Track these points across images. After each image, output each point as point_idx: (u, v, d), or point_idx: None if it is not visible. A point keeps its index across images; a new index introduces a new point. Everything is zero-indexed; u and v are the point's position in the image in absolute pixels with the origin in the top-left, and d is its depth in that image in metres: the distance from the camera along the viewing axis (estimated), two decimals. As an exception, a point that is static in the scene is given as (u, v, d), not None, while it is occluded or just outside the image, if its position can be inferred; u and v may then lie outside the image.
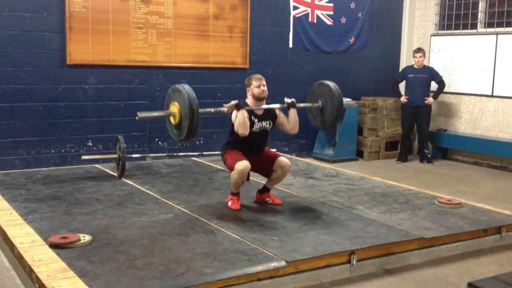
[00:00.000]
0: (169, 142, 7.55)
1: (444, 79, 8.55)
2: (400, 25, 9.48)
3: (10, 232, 4.17)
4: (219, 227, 4.43)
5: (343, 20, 8.76)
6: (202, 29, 7.51)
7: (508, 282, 3.15)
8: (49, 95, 6.75)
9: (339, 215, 4.89)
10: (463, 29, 8.80)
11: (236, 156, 4.88)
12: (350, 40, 8.87)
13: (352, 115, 8.52)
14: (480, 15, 8.55)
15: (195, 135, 4.68)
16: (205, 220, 4.62)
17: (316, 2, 8.50)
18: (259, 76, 5.02)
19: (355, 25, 8.91)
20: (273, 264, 3.66)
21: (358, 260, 3.94)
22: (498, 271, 4.07)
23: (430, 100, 8.48)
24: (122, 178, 6.12)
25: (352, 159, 8.57)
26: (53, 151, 6.83)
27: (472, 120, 8.68)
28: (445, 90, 8.60)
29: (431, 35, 9.22)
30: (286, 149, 8.44)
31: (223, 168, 6.68)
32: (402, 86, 8.83)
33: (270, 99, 8.02)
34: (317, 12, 8.54)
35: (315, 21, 8.45)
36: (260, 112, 4.97)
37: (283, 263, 3.68)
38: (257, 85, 4.93)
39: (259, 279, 3.56)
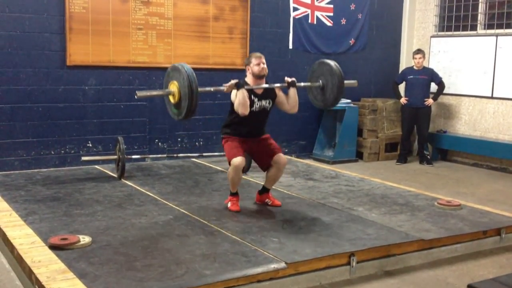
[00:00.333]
0: (169, 143, 7.55)
1: (444, 80, 8.56)
2: (400, 26, 9.49)
3: (10, 233, 4.17)
4: (219, 229, 4.43)
5: (343, 21, 8.76)
6: (202, 30, 7.52)
7: (508, 284, 3.15)
8: (49, 96, 6.75)
9: (338, 216, 4.89)
10: (463, 30, 8.81)
11: (233, 148, 4.88)
12: (350, 41, 8.87)
13: (352, 116, 8.52)
14: (480, 17, 8.55)
15: (194, 114, 4.62)
16: (205, 222, 4.61)
17: (316, 4, 8.51)
18: (258, 54, 5.02)
19: (355, 27, 8.91)
20: (273, 266, 3.66)
21: (357, 262, 3.94)
22: (498, 273, 4.07)
23: (430, 101, 8.48)
24: (122, 179, 6.12)
25: (352, 160, 8.57)
26: (53, 152, 6.83)
27: (472, 121, 8.68)
28: (445, 91, 8.61)
29: (431, 37, 9.23)
30: (286, 150, 8.43)
31: (223, 170, 6.69)
32: (402, 87, 8.84)
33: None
34: (317, 13, 8.54)
35: (315, 22, 8.46)
36: (259, 91, 4.94)
37: (282, 264, 3.68)
38: (256, 63, 4.92)
39: (258, 281, 3.56)
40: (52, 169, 6.70)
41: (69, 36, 6.70)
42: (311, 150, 8.75)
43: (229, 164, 4.90)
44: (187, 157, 7.38)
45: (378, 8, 9.15)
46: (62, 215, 4.72)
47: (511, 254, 4.57)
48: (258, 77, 4.93)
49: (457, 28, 8.90)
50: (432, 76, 8.53)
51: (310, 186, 6.13)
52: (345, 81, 5.11)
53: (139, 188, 5.76)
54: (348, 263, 3.93)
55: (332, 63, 5.12)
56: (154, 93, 5.26)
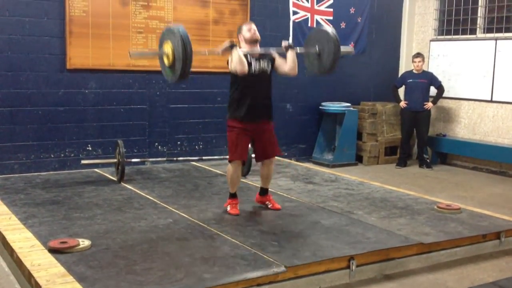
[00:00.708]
0: (169, 146, 7.56)
1: (443, 84, 8.57)
2: (399, 30, 9.50)
3: (10, 236, 4.16)
4: (218, 232, 4.43)
5: (343, 25, 8.78)
6: (202, 33, 7.53)
7: (507, 288, 3.16)
8: (49, 99, 6.76)
9: (338, 220, 4.89)
10: (462, 34, 8.83)
11: (237, 147, 4.86)
12: (350, 45, 8.87)
13: (351, 120, 8.53)
14: (479, 21, 8.57)
15: (188, 77, 4.57)
16: (205, 225, 4.61)
17: (316, 7, 8.52)
18: (248, 22, 5.02)
19: (355, 30, 8.93)
20: (272, 269, 3.65)
21: (357, 266, 3.94)
22: (497, 277, 4.08)
23: (429, 105, 8.49)
24: (122, 183, 6.12)
25: (352, 164, 8.57)
26: (52, 156, 6.83)
27: (471, 125, 8.69)
28: (444, 95, 8.62)
29: (430, 40, 9.24)
30: (286, 154, 8.43)
31: (222, 173, 6.69)
32: (401, 91, 8.85)
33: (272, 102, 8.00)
34: (317, 17, 8.56)
35: (314, 26, 8.47)
36: (256, 55, 4.91)
37: (282, 268, 3.68)
38: (248, 29, 4.91)
39: (258, 285, 3.56)
40: (51, 172, 6.70)
41: (69, 39, 6.71)
42: (311, 154, 8.76)
43: (229, 161, 4.92)
44: (186, 161, 7.38)
45: (378, 12, 9.17)
46: (62, 218, 4.72)
47: (510, 257, 4.57)
48: (251, 42, 4.89)
49: (456, 32, 8.91)
50: (431, 79, 8.54)
51: (309, 189, 6.13)
52: (342, 48, 5.05)
53: (138, 192, 5.76)
54: (348, 267, 3.92)
55: (329, 29, 5.08)
56: (149, 54, 5.10)
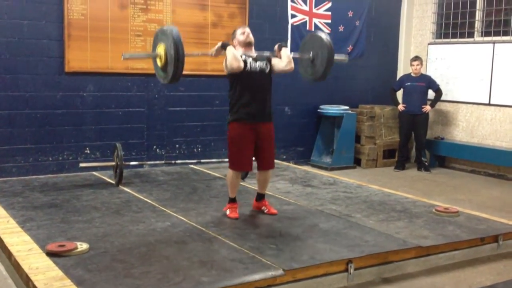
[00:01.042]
0: (167, 149, 7.55)
1: (441, 87, 8.59)
2: (397, 33, 9.52)
3: (7, 240, 4.16)
4: (216, 235, 4.42)
5: (341, 28, 8.79)
6: (200, 37, 7.54)
7: (505, 291, 3.16)
8: (47, 102, 6.76)
9: (336, 223, 4.89)
10: (460, 37, 8.85)
11: (240, 155, 4.85)
12: (348, 48, 8.89)
13: (349, 123, 8.54)
14: (477, 24, 8.59)
15: (179, 79, 4.58)
16: (203, 228, 4.61)
17: (314, 11, 8.54)
18: (242, 25, 5.06)
19: (353, 34, 8.94)
20: (271, 273, 3.65)
21: (355, 269, 3.94)
22: (495, 280, 4.08)
23: (427, 108, 8.50)
24: (120, 186, 6.11)
25: (350, 167, 8.58)
26: (50, 159, 6.83)
27: (469, 128, 8.70)
28: (442, 98, 8.63)
29: (428, 44, 9.26)
30: (284, 157, 8.44)
31: (221, 176, 6.69)
32: (399, 94, 8.86)
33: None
34: (315, 20, 8.57)
35: (312, 29, 8.47)
36: (253, 56, 4.92)
37: (280, 271, 3.68)
38: (241, 32, 4.94)
39: (256, 288, 3.56)
40: (49, 175, 6.69)
41: (67, 42, 6.72)
42: (309, 157, 8.76)
43: (230, 168, 4.92)
44: (185, 164, 7.38)
45: (376, 15, 9.18)
46: (60, 221, 4.72)
47: (508, 261, 4.57)
48: (245, 45, 4.91)
49: (454, 35, 8.93)
50: (429, 83, 8.56)
51: (308, 192, 6.13)
52: (335, 55, 5.08)
53: (137, 195, 5.76)
54: (346, 270, 3.92)
55: (323, 35, 5.10)
56: (141, 55, 5.16)
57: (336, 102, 8.81)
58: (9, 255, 3.98)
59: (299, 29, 8.37)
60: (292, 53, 5.14)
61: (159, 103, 7.44)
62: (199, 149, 7.78)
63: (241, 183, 6.25)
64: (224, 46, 4.77)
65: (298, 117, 8.68)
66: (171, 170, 7.17)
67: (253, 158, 5.00)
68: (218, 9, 7.66)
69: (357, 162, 8.76)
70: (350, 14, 8.87)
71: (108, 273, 3.59)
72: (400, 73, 9.40)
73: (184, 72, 7.50)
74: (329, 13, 8.65)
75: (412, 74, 8.59)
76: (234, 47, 4.93)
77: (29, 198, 5.50)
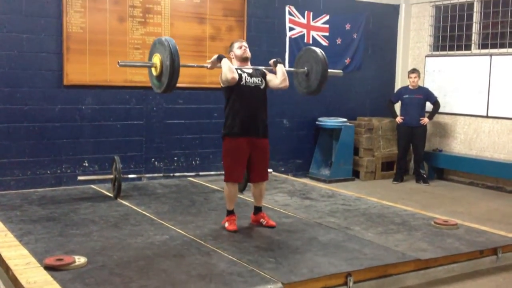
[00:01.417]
0: (165, 162, 7.55)
1: (439, 99, 8.61)
2: (395, 46, 9.57)
3: (5, 253, 4.14)
4: (215, 249, 4.41)
5: (339, 41, 8.83)
6: (199, 49, 7.56)
7: (505, 305, 3.15)
8: (45, 115, 6.76)
9: (335, 236, 4.88)
10: (457, 50, 8.89)
11: (234, 167, 4.89)
12: (346, 60, 8.93)
13: (348, 135, 8.55)
14: (474, 37, 8.64)
15: (173, 89, 4.62)
16: (201, 242, 4.60)
17: (312, 24, 8.58)
18: (239, 39, 5.14)
19: (350, 46, 8.98)
20: (270, 286, 3.64)
21: (354, 282, 3.93)
22: (495, 293, 4.07)
23: (425, 120, 8.52)
24: (118, 199, 6.10)
25: (348, 179, 8.58)
26: (49, 172, 6.82)
27: (468, 140, 8.72)
28: (440, 110, 8.66)
29: (426, 56, 9.30)
30: (283, 169, 8.44)
31: (219, 189, 6.68)
32: (397, 106, 8.88)
33: (267, 118, 8.02)
34: (313, 33, 8.61)
35: (310, 42, 8.51)
36: (248, 71, 4.95)
37: (279, 285, 3.66)
38: (238, 46, 4.98)
39: (255, 302, 3.54)
40: (48, 188, 6.67)
41: (66, 56, 6.74)
42: (308, 169, 8.76)
43: (224, 180, 4.95)
44: (183, 176, 7.37)
45: (373, 28, 9.23)
46: (58, 235, 4.70)
47: (508, 273, 4.56)
48: (241, 59, 4.97)
49: (451, 48, 8.98)
50: (427, 95, 8.58)
51: (306, 205, 6.12)
52: (330, 70, 5.13)
53: (135, 208, 5.75)
54: (345, 283, 3.91)
55: (318, 50, 5.15)
56: (137, 63, 5.24)
57: (334, 115, 8.82)
58: (6, 269, 3.96)
59: (297, 42, 8.41)
60: (288, 68, 5.20)
61: (158, 116, 7.45)
62: (198, 162, 7.78)
63: (240, 196, 6.25)
64: (219, 58, 4.82)
65: (296, 130, 8.69)
66: (169, 182, 7.16)
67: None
68: (216, 22, 7.70)
69: (355, 175, 8.76)
70: (348, 27, 8.91)
71: (106, 287, 3.57)
72: (398, 85, 9.43)
73: (183, 85, 7.59)
74: (327, 26, 8.69)
75: (410, 87, 8.62)
76: (230, 60, 4.96)
77: (27, 212, 5.48)
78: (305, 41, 8.49)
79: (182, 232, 4.87)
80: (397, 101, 8.81)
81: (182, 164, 7.66)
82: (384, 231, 5.09)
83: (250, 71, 4.97)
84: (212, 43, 7.66)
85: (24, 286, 3.52)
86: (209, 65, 4.92)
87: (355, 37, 9.00)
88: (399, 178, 8.65)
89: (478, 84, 8.48)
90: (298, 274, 3.86)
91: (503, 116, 8.19)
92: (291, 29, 8.42)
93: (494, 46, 8.37)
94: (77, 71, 6.84)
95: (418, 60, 9.42)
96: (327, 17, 8.68)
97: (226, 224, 4.99)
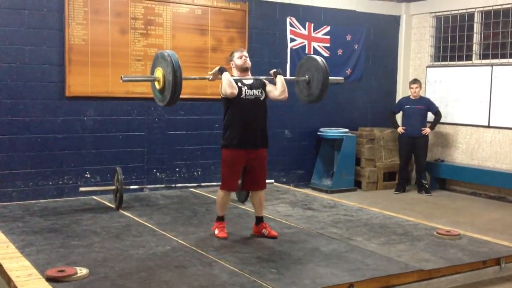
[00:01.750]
0: (167, 173, 7.55)
1: (441, 110, 8.62)
2: (396, 56, 9.60)
3: (7, 265, 4.13)
4: (217, 259, 4.40)
5: (340, 52, 8.86)
6: (200, 61, 7.59)
7: (508, 315, 3.13)
8: (47, 127, 6.78)
9: (337, 246, 4.87)
10: (458, 60, 8.91)
11: (231, 176, 4.94)
12: (347, 71, 8.95)
13: (349, 145, 8.55)
14: (475, 47, 8.66)
15: (176, 102, 4.66)
16: (203, 252, 4.59)
17: (313, 35, 8.61)
18: (240, 49, 5.14)
19: (352, 57, 9.01)
20: (272, 297, 3.62)
21: (357, 293, 3.91)
22: (498, 304, 4.05)
23: (427, 130, 8.52)
24: (120, 210, 6.09)
25: (350, 189, 8.57)
26: (50, 183, 6.82)
27: (469, 150, 8.71)
28: (441, 120, 8.66)
29: (427, 67, 9.32)
30: (284, 180, 8.44)
31: (221, 200, 6.66)
32: (399, 116, 8.89)
33: (269, 129, 8.06)
34: (314, 44, 8.64)
35: (311, 53, 8.54)
36: (248, 82, 4.97)
37: (281, 296, 3.65)
38: (239, 56, 4.99)
39: (257, 313, 3.52)
40: (50, 200, 6.67)
41: (68, 67, 6.77)
42: (309, 179, 8.75)
43: (220, 188, 5.02)
44: (185, 187, 7.36)
45: (374, 39, 9.26)
46: (59, 246, 4.69)
47: (511, 284, 4.54)
48: (242, 69, 4.99)
49: (452, 58, 9.00)
50: (428, 105, 8.59)
51: (308, 215, 6.11)
52: (331, 78, 5.15)
53: (137, 219, 5.74)
54: (348, 294, 3.89)
55: (318, 59, 5.17)
56: (140, 78, 5.29)
57: (335, 125, 8.83)
58: (8, 280, 3.95)
59: (298, 53, 8.44)
60: (289, 77, 5.21)
61: (159, 127, 7.47)
62: (199, 173, 7.78)
63: (242, 206, 6.25)
64: (221, 71, 4.84)
65: (298, 140, 8.69)
66: (171, 193, 7.15)
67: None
68: (217, 34, 7.73)
69: (357, 185, 8.75)
70: (349, 37, 8.95)
71: (107, 299, 3.56)
72: (399, 95, 9.44)
73: (184, 96, 7.58)
74: (328, 37, 8.73)
75: (411, 97, 8.63)
76: (231, 69, 4.99)
77: (29, 223, 5.48)
78: (306, 52, 8.52)
79: (184, 243, 4.86)
80: (399, 112, 8.82)
81: (184, 175, 7.66)
82: (387, 242, 5.07)
83: (250, 81, 4.98)
84: (213, 55, 7.69)
85: (26, 297, 3.51)
86: (210, 77, 4.95)
87: (356, 48, 9.03)
88: (401, 188, 8.64)
89: (480, 94, 8.49)
90: (300, 285, 3.85)
91: (504, 126, 8.19)
92: (292, 40, 8.45)
93: (495, 56, 8.39)
94: (79, 82, 6.86)
95: (419, 70, 9.45)
96: (328, 28, 8.71)
97: (216, 231, 5.02)
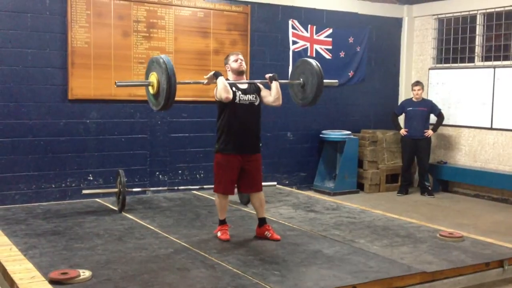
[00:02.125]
0: (170, 175, 7.56)
1: (443, 111, 8.62)
2: (398, 58, 9.60)
3: (10, 267, 4.13)
4: (219, 262, 4.40)
5: (342, 54, 8.87)
6: (202, 63, 7.61)
7: (511, 317, 3.12)
8: (50, 129, 6.79)
9: (340, 248, 4.86)
10: (460, 62, 8.91)
11: (224, 179, 4.94)
12: (349, 73, 8.96)
13: (352, 147, 8.55)
14: (477, 49, 8.66)
15: (171, 107, 4.66)
16: (206, 255, 4.59)
17: (315, 37, 8.62)
18: (236, 52, 5.12)
19: (354, 59, 9.01)
20: (274, 300, 3.62)
21: (360, 295, 3.91)
22: (502, 306, 4.04)
23: (429, 132, 8.52)
24: (123, 213, 6.10)
25: (353, 191, 8.56)
26: (53, 186, 6.84)
27: (472, 152, 8.70)
28: (444, 122, 8.66)
29: (429, 69, 9.32)
30: (287, 182, 8.44)
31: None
32: (401, 118, 8.89)
33: (270, 132, 8.06)
34: (316, 46, 8.65)
35: (314, 55, 8.55)
36: (243, 87, 4.97)
37: (284, 298, 3.64)
38: (234, 60, 4.99)
39: (260, 315, 3.52)
40: (52, 202, 6.67)
41: (71, 70, 6.78)
42: (312, 182, 8.75)
43: (214, 191, 5.06)
44: (187, 190, 7.36)
45: (377, 41, 9.27)
46: (62, 249, 4.70)
47: (514, 286, 4.53)
48: (237, 73, 4.98)
49: (455, 60, 9.00)
50: (431, 107, 8.59)
51: (311, 218, 6.10)
52: (325, 81, 5.16)
53: (139, 221, 5.74)
54: (350, 297, 3.89)
55: (313, 62, 5.17)
56: (134, 83, 5.31)
57: (338, 127, 8.83)
58: (11, 283, 3.96)
59: (300, 55, 8.44)
60: (284, 80, 5.25)
61: (162, 129, 7.48)
62: (202, 175, 7.79)
63: (244, 209, 6.25)
64: (216, 76, 4.85)
65: (300, 142, 8.70)
66: (173, 196, 7.15)
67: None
68: (220, 36, 7.74)
69: (360, 187, 8.74)
70: (351, 40, 8.95)
71: (110, 301, 3.56)
72: (402, 98, 9.44)
73: (187, 99, 7.62)
74: (330, 39, 8.73)
75: (414, 99, 8.63)
76: (226, 72, 5.01)
77: (32, 226, 5.48)
78: (309, 54, 8.53)
79: (187, 245, 4.86)
80: (401, 114, 8.82)
81: (187, 178, 7.67)
82: (390, 244, 5.07)
83: (245, 86, 4.99)
84: (215, 57, 7.71)
85: (29, 300, 3.51)
86: (205, 81, 4.96)
87: (359, 50, 9.04)
88: (403, 190, 8.63)
89: (482, 96, 8.48)
90: (303, 287, 3.84)
91: (507, 128, 8.19)
92: (294, 42, 8.46)
93: (497, 58, 8.39)
94: (82, 85, 6.88)
95: (421, 72, 9.44)
96: (330, 31, 8.72)
97: (219, 234, 5.03)
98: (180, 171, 7.64)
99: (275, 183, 7.37)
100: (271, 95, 5.01)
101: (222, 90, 4.77)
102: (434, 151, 9.04)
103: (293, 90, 5.40)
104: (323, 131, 8.72)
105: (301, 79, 5.22)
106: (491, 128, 8.41)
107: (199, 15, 7.60)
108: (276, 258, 4.54)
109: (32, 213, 6.05)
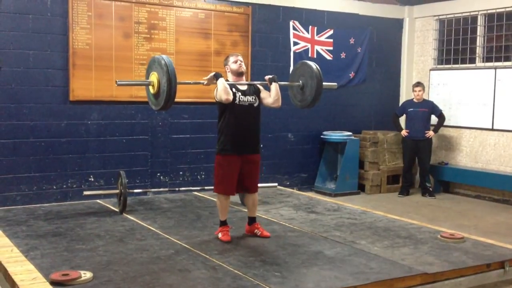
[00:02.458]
0: (171, 176, 7.56)
1: (444, 112, 8.61)
2: (399, 59, 9.60)
3: (11, 269, 4.14)
4: (220, 263, 4.40)
5: (343, 55, 8.87)
6: (203, 64, 7.61)
7: (512, 319, 3.12)
8: (51, 131, 6.80)
9: (341, 250, 4.86)
10: (461, 63, 8.91)
11: (225, 180, 4.95)
12: (350, 74, 8.96)
13: (353, 148, 8.55)
14: (478, 50, 8.66)
15: (171, 106, 4.67)
16: (207, 256, 4.59)
17: (316, 38, 8.63)
18: (235, 53, 5.14)
19: (355, 60, 9.02)
20: (275, 301, 3.62)
21: (361, 296, 3.91)
22: (503, 307, 4.03)
23: (430, 133, 8.52)
24: (124, 214, 6.10)
25: (354, 192, 8.56)
26: (54, 187, 6.84)
27: (473, 153, 8.70)
28: (445, 123, 8.66)
29: (430, 70, 9.32)
30: (288, 183, 8.44)
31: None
32: (402, 119, 8.89)
33: (271, 133, 8.07)
34: (317, 47, 8.66)
35: (315, 56, 8.56)
36: (243, 88, 4.98)
37: (285, 299, 3.64)
38: (234, 61, 5.00)
39: (261, 316, 3.52)
40: (54, 203, 6.68)
41: (72, 71, 6.79)
42: (313, 183, 8.75)
43: (214, 191, 5.07)
44: (188, 191, 7.36)
45: (377, 42, 9.27)
46: (64, 250, 4.70)
47: (515, 287, 4.53)
48: (237, 74, 5.00)
49: (456, 61, 9.00)
50: (432, 108, 8.59)
51: (312, 219, 6.10)
52: (324, 83, 5.17)
53: (140, 223, 5.74)
54: (351, 298, 3.89)
55: (313, 65, 5.17)
56: (135, 82, 5.32)
57: (339, 128, 8.84)
58: (13, 284, 3.96)
59: (301, 56, 8.45)
60: (283, 82, 5.26)
61: (163, 131, 7.48)
62: (203, 176, 7.79)
63: (245, 210, 6.24)
64: (216, 77, 4.86)
65: (301, 143, 8.70)
66: (175, 197, 7.15)
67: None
68: (221, 37, 7.75)
69: (361, 188, 8.74)
70: (352, 41, 8.96)
71: (111, 302, 3.56)
72: (403, 98, 9.44)
73: (188, 100, 7.62)
74: (331, 40, 8.74)
75: (415, 100, 8.63)
76: (225, 73, 5.02)
77: (33, 227, 5.49)
78: (310, 55, 8.54)
79: (188, 247, 4.86)
80: (402, 115, 8.82)
81: (188, 179, 7.68)
82: (391, 245, 5.06)
83: (245, 88, 5.00)
84: (217, 58, 7.71)
85: (30, 301, 3.52)
86: (205, 82, 4.97)
87: (359, 51, 9.04)
88: (404, 191, 8.63)
89: (483, 97, 8.48)
90: (304, 288, 3.85)
91: (508, 129, 8.19)
92: (295, 43, 8.47)
93: (498, 59, 8.38)
94: (83, 86, 6.89)
95: (422, 73, 9.44)
96: (331, 32, 8.73)
97: (220, 235, 5.04)
98: (181, 172, 7.64)
99: (276, 184, 7.37)
100: (271, 96, 5.03)
101: (222, 91, 4.78)
102: (435, 152, 9.04)
103: (292, 92, 5.42)
104: (324, 132, 8.72)
105: (300, 81, 5.23)
106: (492, 129, 8.41)
107: (200, 16, 7.61)
108: (277, 259, 4.54)
109: (33, 214, 6.06)
